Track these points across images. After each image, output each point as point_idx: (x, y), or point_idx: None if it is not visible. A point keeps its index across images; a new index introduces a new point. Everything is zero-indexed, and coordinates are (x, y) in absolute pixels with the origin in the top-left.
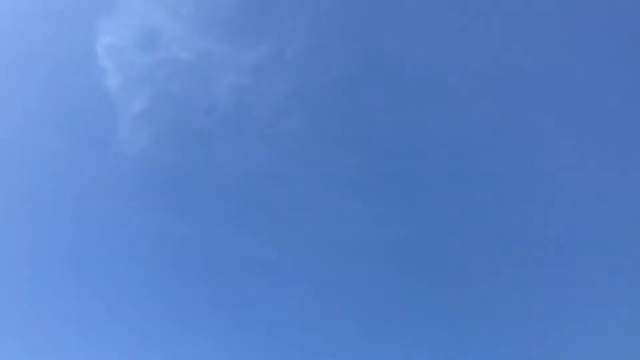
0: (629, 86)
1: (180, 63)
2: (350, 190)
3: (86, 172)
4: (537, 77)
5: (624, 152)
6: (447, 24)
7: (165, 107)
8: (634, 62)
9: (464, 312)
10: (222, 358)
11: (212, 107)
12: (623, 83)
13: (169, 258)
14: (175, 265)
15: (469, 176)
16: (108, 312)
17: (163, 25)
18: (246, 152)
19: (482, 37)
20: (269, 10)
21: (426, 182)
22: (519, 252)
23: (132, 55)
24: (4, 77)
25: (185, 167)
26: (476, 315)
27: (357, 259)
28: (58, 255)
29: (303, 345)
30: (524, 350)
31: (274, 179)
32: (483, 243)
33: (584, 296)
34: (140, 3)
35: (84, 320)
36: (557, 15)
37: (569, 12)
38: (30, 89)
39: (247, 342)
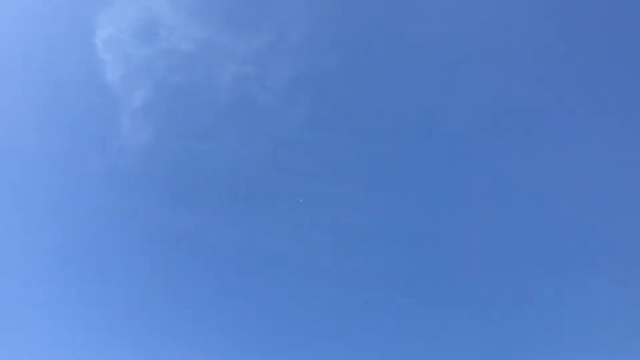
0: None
1: (181, 54)
2: (356, 178)
3: (89, 168)
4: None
5: (625, 153)
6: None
7: (167, 99)
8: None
9: (467, 295)
10: (229, 347)
11: (215, 97)
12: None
13: (175, 251)
14: (182, 257)
15: (474, 160)
16: (114, 305)
17: (162, 16)
18: (251, 142)
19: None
20: None
21: (432, 168)
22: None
23: (131, 48)
24: (3, 73)
25: (190, 160)
26: (480, 300)
27: (364, 247)
28: (62, 251)
29: (312, 333)
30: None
31: (279, 168)
32: (484, 226)
33: (584, 296)
34: None
35: (91, 315)
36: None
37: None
38: (29, 84)
39: (255, 332)
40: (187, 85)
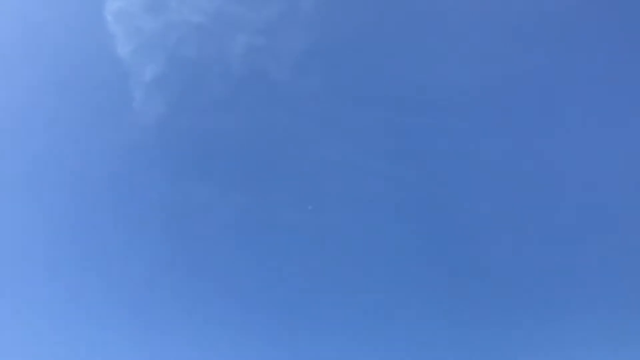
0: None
1: (192, 26)
2: (371, 148)
3: (102, 142)
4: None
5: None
6: None
7: (179, 72)
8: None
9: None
10: (246, 318)
11: (226, 69)
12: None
13: (189, 224)
14: (196, 231)
15: (491, 129)
16: (127, 278)
17: None
18: (264, 114)
19: None
20: None
21: (448, 137)
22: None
23: (141, 21)
24: (13, 49)
25: (202, 133)
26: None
27: (381, 218)
28: (76, 225)
29: (330, 303)
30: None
31: (293, 139)
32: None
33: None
34: None
35: (103, 289)
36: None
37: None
38: (40, 60)
39: (273, 303)
40: (199, 58)
